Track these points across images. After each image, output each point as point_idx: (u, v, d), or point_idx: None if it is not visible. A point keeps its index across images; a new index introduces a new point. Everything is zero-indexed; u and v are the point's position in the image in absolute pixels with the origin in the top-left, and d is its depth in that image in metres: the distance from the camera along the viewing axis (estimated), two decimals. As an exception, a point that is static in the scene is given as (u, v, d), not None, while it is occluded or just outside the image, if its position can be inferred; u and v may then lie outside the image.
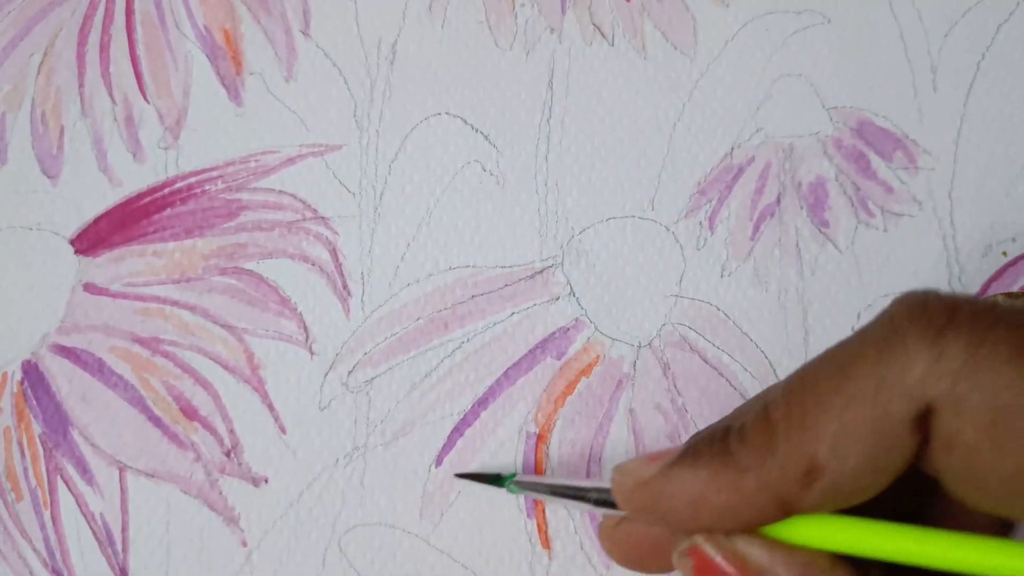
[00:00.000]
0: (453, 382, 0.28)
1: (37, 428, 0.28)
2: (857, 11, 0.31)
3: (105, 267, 0.29)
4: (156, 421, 0.28)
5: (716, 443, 0.20)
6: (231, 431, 0.28)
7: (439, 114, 0.30)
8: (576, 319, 0.28)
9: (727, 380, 0.28)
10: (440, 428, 0.28)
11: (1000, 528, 0.20)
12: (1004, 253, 0.29)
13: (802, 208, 0.30)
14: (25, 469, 0.27)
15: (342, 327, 0.28)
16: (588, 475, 0.27)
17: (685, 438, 0.24)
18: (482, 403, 0.28)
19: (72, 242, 0.29)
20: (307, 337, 0.28)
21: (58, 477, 0.27)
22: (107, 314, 0.28)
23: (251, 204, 0.29)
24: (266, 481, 0.27)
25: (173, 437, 0.28)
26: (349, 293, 0.29)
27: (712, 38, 0.31)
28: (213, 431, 0.28)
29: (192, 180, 0.30)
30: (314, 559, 0.27)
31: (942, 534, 0.18)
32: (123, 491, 0.27)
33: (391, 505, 0.27)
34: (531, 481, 0.26)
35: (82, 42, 0.31)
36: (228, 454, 0.27)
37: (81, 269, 0.29)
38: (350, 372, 0.28)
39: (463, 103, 0.30)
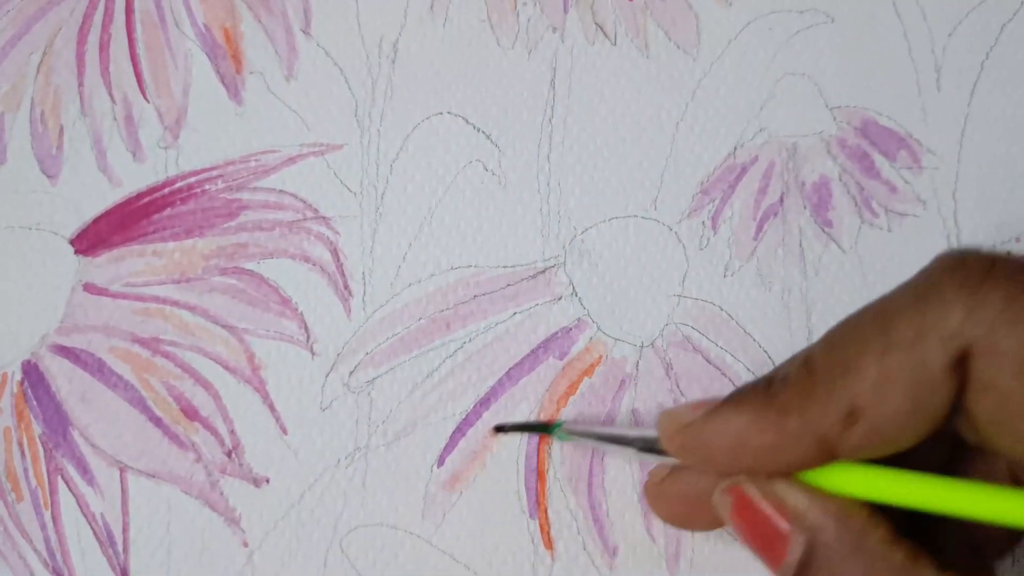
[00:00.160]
0: (455, 382, 0.28)
1: (37, 428, 0.28)
2: (861, 10, 0.31)
3: (105, 267, 0.29)
4: (157, 421, 0.28)
5: (759, 389, 0.20)
6: (232, 432, 0.28)
7: (441, 113, 0.30)
8: (578, 319, 0.28)
9: (730, 380, 0.28)
10: (442, 428, 0.28)
11: None
12: (1008, 253, 0.29)
13: (806, 208, 0.29)
14: (25, 469, 0.27)
15: (343, 327, 0.28)
16: (590, 475, 0.27)
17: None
18: (484, 403, 0.28)
19: (72, 242, 0.29)
20: (308, 337, 0.28)
21: (58, 477, 0.27)
22: (107, 314, 0.28)
23: (252, 204, 0.29)
24: (267, 482, 0.27)
25: (174, 437, 0.27)
26: (350, 293, 0.29)
27: (715, 37, 0.31)
28: (214, 431, 0.27)
29: (192, 180, 0.30)
30: (316, 560, 0.27)
31: (978, 485, 0.18)
32: (124, 491, 0.27)
33: (393, 506, 0.27)
34: (579, 430, 0.26)
35: (81, 41, 0.31)
36: (229, 455, 0.27)
37: (81, 269, 0.29)
38: (351, 372, 0.28)
39: (465, 102, 0.30)
